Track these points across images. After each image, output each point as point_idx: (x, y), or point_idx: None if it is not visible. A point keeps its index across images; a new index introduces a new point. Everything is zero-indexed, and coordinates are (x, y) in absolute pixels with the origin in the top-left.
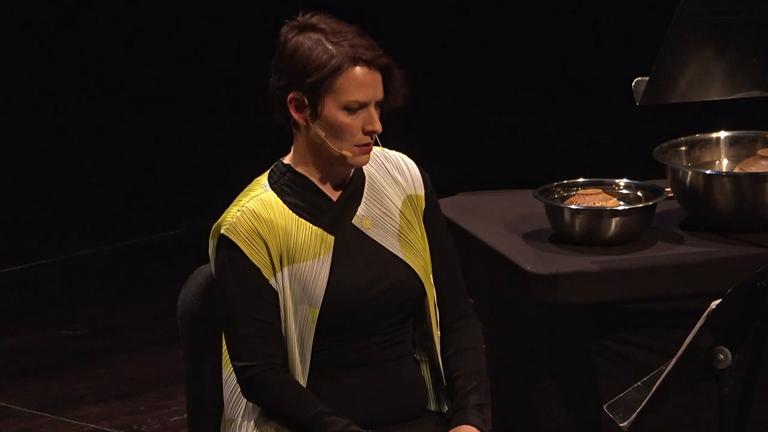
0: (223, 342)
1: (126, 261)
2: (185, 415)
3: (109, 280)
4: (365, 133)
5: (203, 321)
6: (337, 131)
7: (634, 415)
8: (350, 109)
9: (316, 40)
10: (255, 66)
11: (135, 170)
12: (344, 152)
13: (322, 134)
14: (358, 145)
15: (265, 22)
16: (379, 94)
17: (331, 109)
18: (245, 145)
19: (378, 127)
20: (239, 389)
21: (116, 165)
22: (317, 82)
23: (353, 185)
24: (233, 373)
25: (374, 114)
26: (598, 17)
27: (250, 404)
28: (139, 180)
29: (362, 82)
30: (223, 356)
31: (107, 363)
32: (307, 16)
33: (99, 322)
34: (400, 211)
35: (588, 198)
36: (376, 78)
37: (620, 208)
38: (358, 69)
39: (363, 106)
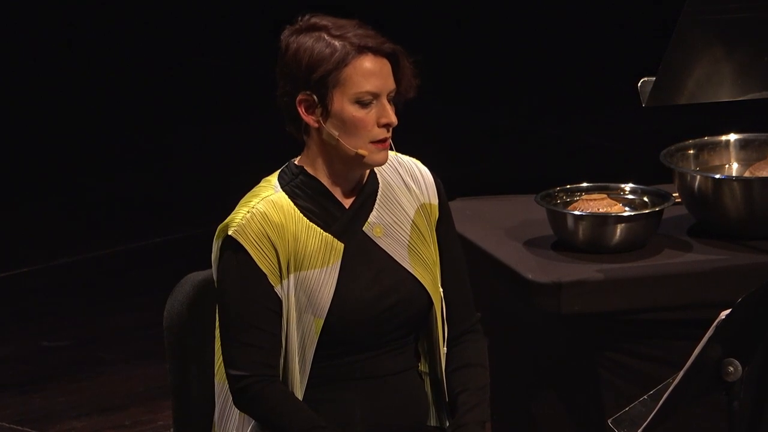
0: (217, 350)
1: (110, 269)
2: (171, 430)
3: (93, 289)
4: (380, 126)
5: (191, 331)
6: (350, 128)
7: (640, 430)
8: (362, 102)
9: (317, 37)
10: (247, 68)
11: (120, 175)
12: (360, 151)
13: (336, 134)
14: (373, 142)
15: (268, 22)
16: (390, 84)
17: (341, 103)
18: (235, 152)
19: (393, 119)
20: (232, 400)
21: (100, 170)
22: (323, 76)
23: (367, 192)
24: (227, 383)
25: (387, 106)
26: (602, 15)
27: (243, 417)
28: (125, 186)
29: (370, 71)
30: (216, 365)
31: (90, 376)
32: (306, 17)
33: (82, 333)
34: (413, 221)
35: (592, 203)
36: (385, 67)
37: (626, 214)
38: (364, 58)
39: (375, 97)
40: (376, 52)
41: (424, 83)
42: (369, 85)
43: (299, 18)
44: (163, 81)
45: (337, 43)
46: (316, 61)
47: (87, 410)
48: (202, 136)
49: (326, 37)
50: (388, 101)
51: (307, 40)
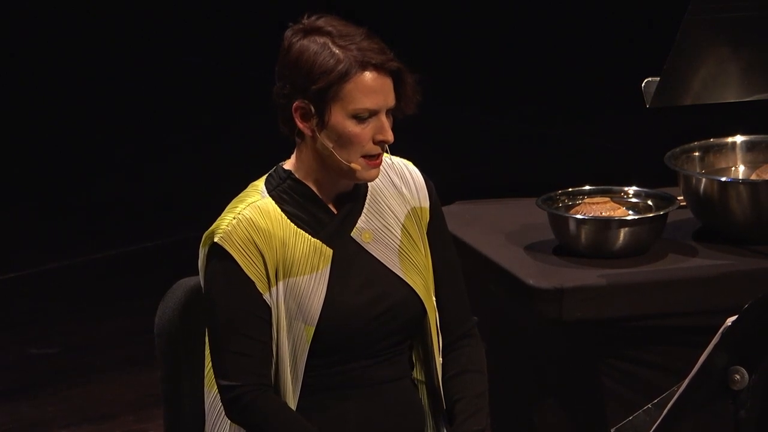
0: (207, 359)
1: (100, 274)
2: None
3: (82, 295)
4: (375, 143)
5: (183, 338)
6: (345, 141)
7: None
8: (359, 117)
9: (322, 44)
10: (239, 72)
11: (110, 178)
12: (353, 165)
13: (330, 145)
14: (367, 157)
15: (266, 24)
16: (391, 101)
17: (338, 117)
18: (227, 154)
19: (389, 136)
20: (223, 410)
21: (90, 173)
22: (324, 89)
23: (355, 197)
24: (217, 392)
25: (385, 122)
26: (605, 15)
27: (235, 427)
28: (115, 189)
29: (372, 88)
30: (206, 374)
31: (80, 384)
32: (313, 18)
33: (71, 340)
34: (403, 226)
35: (595, 207)
36: (387, 84)
37: (629, 218)
38: (367, 74)
39: (373, 114)
40: (380, 69)
41: (424, 84)
42: (369, 102)
43: (305, 17)
44: (154, 85)
45: (341, 54)
46: (318, 72)
47: (76, 419)
48: (195, 139)
49: (330, 45)
50: (387, 116)
51: (311, 46)
